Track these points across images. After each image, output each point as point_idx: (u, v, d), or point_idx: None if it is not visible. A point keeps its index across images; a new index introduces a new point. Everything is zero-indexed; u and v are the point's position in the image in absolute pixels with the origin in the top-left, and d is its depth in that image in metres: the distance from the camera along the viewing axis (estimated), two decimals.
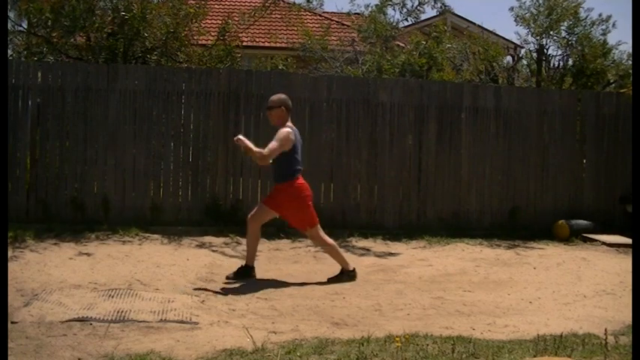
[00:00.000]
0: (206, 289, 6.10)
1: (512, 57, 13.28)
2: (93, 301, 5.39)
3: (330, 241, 6.72)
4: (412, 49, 11.47)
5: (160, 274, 6.48)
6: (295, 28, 13.25)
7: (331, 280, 6.58)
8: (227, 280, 6.50)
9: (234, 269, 6.71)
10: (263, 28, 14.27)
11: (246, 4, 14.75)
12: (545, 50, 11.98)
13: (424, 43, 11.48)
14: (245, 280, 6.50)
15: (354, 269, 6.74)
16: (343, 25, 14.63)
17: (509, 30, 54.97)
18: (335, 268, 6.76)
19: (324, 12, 15.98)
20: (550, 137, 9.97)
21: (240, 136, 6.37)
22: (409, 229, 9.17)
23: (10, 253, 6.79)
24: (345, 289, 6.33)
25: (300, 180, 6.53)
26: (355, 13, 12.81)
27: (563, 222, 9.43)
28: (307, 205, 6.52)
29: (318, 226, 6.59)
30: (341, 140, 9.23)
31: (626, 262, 7.59)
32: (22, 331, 4.65)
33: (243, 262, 6.76)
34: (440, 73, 11.36)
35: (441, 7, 12.24)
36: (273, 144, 6.34)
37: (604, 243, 8.96)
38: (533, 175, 9.89)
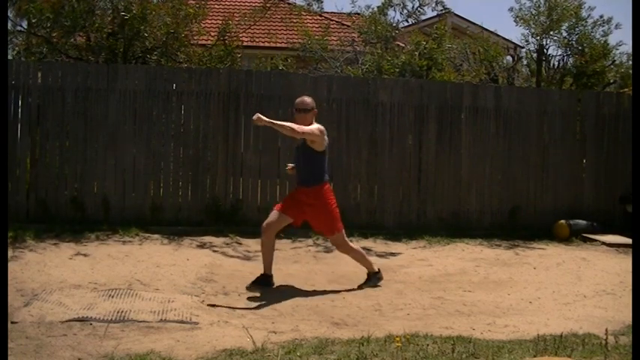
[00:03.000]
0: (217, 305, 5.64)
1: (512, 57, 13.27)
2: (93, 301, 5.39)
3: (355, 246, 6.56)
4: (413, 50, 11.45)
5: (160, 274, 6.48)
6: (295, 29, 13.23)
7: (361, 286, 6.32)
8: (246, 290, 6.10)
9: (245, 275, 6.46)
10: (263, 28, 14.24)
11: (247, 4, 14.75)
12: (545, 50, 11.98)
13: (424, 43, 11.47)
14: (263, 288, 6.11)
15: (379, 270, 6.50)
16: (343, 25, 14.60)
17: (511, 30, 54.99)
18: (335, 268, 6.76)
19: (323, 12, 15.95)
20: (550, 137, 9.97)
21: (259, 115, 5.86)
22: (409, 229, 9.17)
23: (10, 253, 6.79)
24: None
25: (328, 184, 6.28)
26: (356, 14, 12.79)
27: (563, 222, 9.42)
28: (334, 209, 6.23)
29: (344, 232, 6.30)
30: (341, 140, 9.22)
31: (626, 262, 7.58)
32: (22, 331, 4.65)
33: (244, 262, 6.76)
34: (440, 73, 11.34)
35: (441, 10, 12.24)
36: (309, 128, 5.92)
37: (604, 243, 8.96)
38: (533, 175, 9.89)
